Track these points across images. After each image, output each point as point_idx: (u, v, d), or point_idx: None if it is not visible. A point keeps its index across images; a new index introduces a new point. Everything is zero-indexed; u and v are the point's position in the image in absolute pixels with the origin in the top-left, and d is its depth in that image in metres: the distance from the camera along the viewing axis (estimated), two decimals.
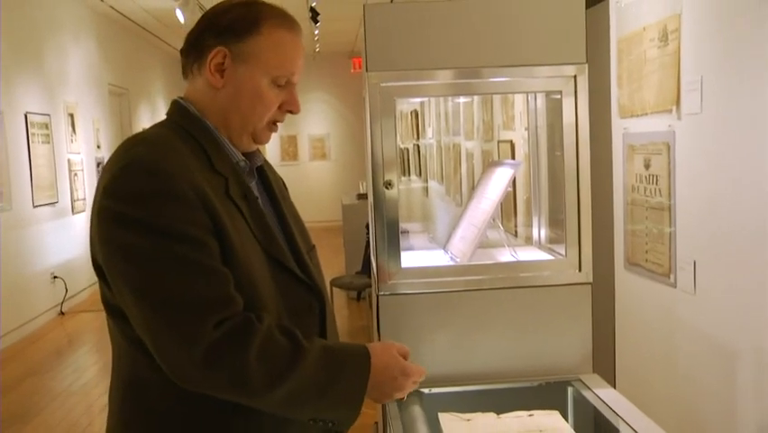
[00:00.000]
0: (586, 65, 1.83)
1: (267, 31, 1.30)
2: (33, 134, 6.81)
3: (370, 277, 6.04)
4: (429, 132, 4.22)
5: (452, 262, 2.06)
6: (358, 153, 13.53)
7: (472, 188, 3.15)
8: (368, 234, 6.12)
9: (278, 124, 1.37)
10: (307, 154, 14.13)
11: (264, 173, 1.45)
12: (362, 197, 7.48)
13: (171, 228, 1.15)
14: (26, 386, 5.04)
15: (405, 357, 1.38)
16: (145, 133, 1.31)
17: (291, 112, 1.37)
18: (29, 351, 5.96)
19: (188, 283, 1.15)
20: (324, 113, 13.81)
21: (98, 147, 8.72)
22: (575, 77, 1.83)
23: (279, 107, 1.35)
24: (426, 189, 4.36)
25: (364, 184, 8.17)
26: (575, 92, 1.84)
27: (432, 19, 1.80)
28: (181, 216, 1.16)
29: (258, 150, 1.42)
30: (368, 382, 1.28)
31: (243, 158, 1.36)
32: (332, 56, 12.69)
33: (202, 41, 1.30)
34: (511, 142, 2.80)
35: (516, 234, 2.52)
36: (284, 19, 1.33)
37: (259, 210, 1.32)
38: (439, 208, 3.99)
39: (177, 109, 1.34)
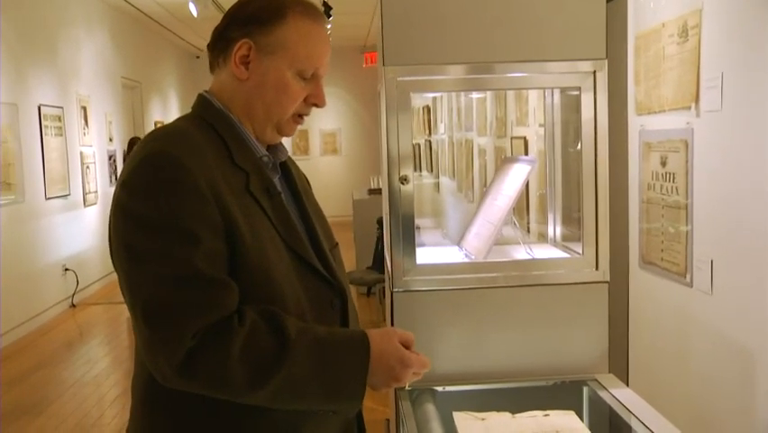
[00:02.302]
0: (605, 61, 1.80)
1: (292, 19, 1.28)
2: (46, 127, 6.84)
3: (380, 272, 6.04)
4: (441, 127, 4.20)
5: (466, 260, 2.04)
6: (369, 148, 13.50)
7: (484, 185, 3.13)
8: (379, 229, 6.11)
9: (303, 117, 1.36)
10: (318, 149, 14.13)
11: (288, 169, 1.43)
12: (373, 192, 7.46)
13: (178, 224, 1.14)
14: (38, 377, 5.07)
15: (408, 346, 1.31)
16: (167, 126, 1.31)
17: (316, 105, 1.35)
18: (40, 342, 5.99)
19: (175, 288, 1.13)
20: (335, 107, 13.78)
21: (110, 140, 8.76)
22: (594, 72, 1.81)
23: (305, 100, 1.33)
24: (438, 185, 4.34)
25: (375, 179, 8.16)
26: (594, 88, 1.82)
27: (449, 13, 1.78)
28: (192, 210, 1.15)
29: (281, 144, 1.40)
30: (367, 372, 1.22)
31: (267, 153, 1.34)
32: (344, 50, 12.66)
33: (227, 34, 1.30)
34: (524, 138, 2.77)
35: (528, 231, 2.50)
36: (309, 8, 1.31)
37: (281, 205, 1.30)
38: (450, 204, 3.97)
39: (201, 102, 1.33)
